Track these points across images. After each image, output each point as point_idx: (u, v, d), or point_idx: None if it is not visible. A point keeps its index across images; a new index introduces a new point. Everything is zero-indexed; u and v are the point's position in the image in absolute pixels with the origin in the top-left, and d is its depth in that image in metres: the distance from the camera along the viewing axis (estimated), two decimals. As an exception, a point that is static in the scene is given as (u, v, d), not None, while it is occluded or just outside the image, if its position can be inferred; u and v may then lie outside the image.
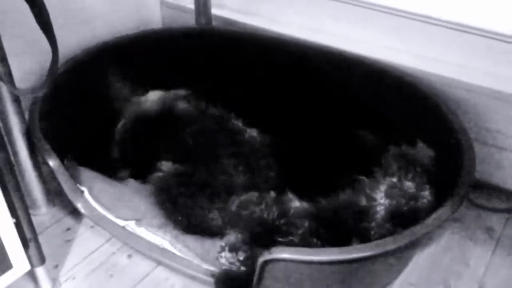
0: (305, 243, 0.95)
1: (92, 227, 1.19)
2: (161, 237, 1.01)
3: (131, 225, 1.03)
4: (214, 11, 1.51)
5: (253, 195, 1.08)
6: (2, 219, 0.86)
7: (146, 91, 1.38)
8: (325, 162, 1.22)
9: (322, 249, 0.94)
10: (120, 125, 1.30)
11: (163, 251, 1.00)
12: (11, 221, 0.88)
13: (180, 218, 1.06)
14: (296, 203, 1.04)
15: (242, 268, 0.93)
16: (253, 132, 1.29)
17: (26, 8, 0.87)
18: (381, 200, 1.00)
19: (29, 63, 1.21)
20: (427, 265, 1.11)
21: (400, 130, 1.20)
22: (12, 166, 0.88)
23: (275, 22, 1.45)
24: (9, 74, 0.97)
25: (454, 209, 0.91)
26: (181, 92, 1.39)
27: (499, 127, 1.20)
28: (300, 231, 0.98)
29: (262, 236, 0.97)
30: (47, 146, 1.05)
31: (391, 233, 0.92)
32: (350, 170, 1.10)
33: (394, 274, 1.07)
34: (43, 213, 1.23)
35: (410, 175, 1.02)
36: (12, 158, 1.03)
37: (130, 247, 1.11)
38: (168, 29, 1.60)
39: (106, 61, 1.37)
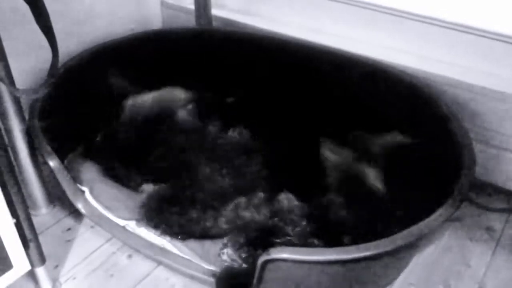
0: (302, 242, 0.96)
1: (92, 227, 1.19)
2: (161, 237, 1.01)
3: (131, 225, 1.03)
4: (214, 11, 1.51)
5: (241, 200, 1.08)
6: (2, 219, 0.86)
7: (146, 91, 1.38)
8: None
9: (322, 249, 0.94)
10: (99, 137, 1.28)
11: (163, 251, 1.00)
12: (11, 221, 0.88)
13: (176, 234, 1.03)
14: (289, 202, 1.05)
15: (244, 265, 0.94)
16: (235, 133, 1.29)
17: (26, 8, 0.87)
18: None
19: (29, 64, 1.21)
20: (427, 265, 1.11)
21: (400, 130, 1.21)
22: (12, 166, 0.88)
23: (275, 22, 1.46)
24: (9, 74, 0.97)
25: (454, 209, 0.91)
26: (181, 95, 1.39)
27: (499, 127, 1.20)
28: (297, 230, 0.98)
29: (259, 238, 0.98)
30: (47, 146, 1.06)
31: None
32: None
33: (394, 274, 1.06)
34: (44, 213, 1.23)
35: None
36: (12, 158, 1.02)
37: (130, 247, 1.11)
38: (168, 30, 1.60)
39: (106, 62, 1.37)
